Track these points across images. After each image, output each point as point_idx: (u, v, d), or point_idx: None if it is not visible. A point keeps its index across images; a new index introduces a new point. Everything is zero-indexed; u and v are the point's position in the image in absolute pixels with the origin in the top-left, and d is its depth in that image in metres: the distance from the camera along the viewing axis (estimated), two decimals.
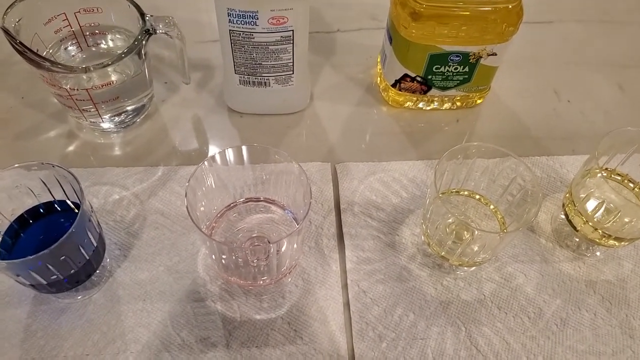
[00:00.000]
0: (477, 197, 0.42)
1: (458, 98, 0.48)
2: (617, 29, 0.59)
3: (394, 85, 0.47)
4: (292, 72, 0.43)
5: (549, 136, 0.49)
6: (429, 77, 0.45)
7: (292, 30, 0.40)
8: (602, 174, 0.37)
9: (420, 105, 0.49)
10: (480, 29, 0.41)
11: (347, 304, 0.38)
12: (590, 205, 0.39)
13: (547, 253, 0.41)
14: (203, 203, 0.37)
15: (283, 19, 0.39)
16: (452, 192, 0.42)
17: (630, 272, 0.40)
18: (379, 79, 0.51)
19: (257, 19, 0.39)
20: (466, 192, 0.42)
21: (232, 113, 0.48)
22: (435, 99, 0.48)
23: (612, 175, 0.41)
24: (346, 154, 0.46)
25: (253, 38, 0.40)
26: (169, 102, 0.49)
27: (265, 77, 0.43)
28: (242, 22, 0.39)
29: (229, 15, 0.39)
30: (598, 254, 0.41)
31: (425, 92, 0.47)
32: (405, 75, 0.45)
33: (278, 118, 0.48)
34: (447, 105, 0.49)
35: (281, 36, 0.40)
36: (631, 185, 0.41)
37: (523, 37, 0.58)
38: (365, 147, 0.47)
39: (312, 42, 0.55)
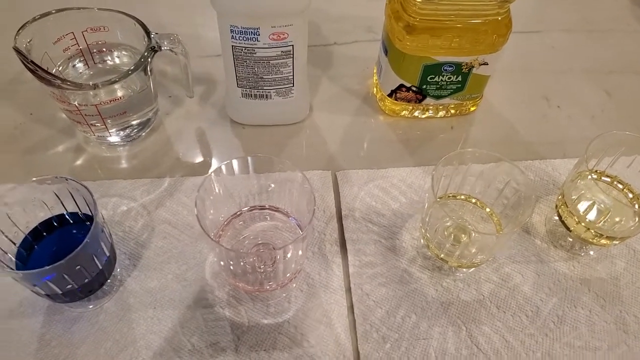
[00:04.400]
0: (474, 200, 0.43)
1: (452, 106, 0.50)
2: (601, 37, 0.62)
3: (390, 95, 0.49)
4: (292, 85, 0.45)
5: (540, 141, 0.51)
6: (424, 86, 0.47)
7: (292, 45, 0.41)
8: (592, 175, 0.39)
9: (416, 113, 0.51)
10: (472, 40, 0.43)
11: (351, 307, 0.39)
12: (582, 206, 0.41)
13: (543, 253, 0.43)
14: (211, 212, 0.39)
15: (283, 34, 0.40)
16: (449, 196, 0.43)
17: (623, 270, 0.42)
18: (375, 89, 0.53)
19: (259, 35, 0.40)
20: (463, 197, 0.43)
21: (234, 125, 0.50)
22: (430, 107, 0.50)
23: (602, 177, 0.43)
24: (346, 162, 0.48)
25: (255, 53, 0.42)
26: (173, 115, 0.50)
27: (267, 90, 0.45)
28: (244, 39, 0.41)
29: (231, 32, 0.40)
30: (591, 253, 0.43)
31: (420, 101, 0.49)
32: (401, 86, 0.47)
33: (279, 129, 0.50)
34: (441, 113, 0.51)
35: (282, 51, 0.42)
36: (620, 186, 0.43)
37: (513, 47, 0.60)
38: (363, 155, 0.49)
39: (310, 55, 0.57)
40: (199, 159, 0.48)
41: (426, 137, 0.50)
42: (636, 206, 0.42)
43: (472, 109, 0.51)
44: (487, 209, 0.42)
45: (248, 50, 0.41)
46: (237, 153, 0.48)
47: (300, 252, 0.37)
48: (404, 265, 0.42)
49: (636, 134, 0.39)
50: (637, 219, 0.40)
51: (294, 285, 0.40)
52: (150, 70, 0.44)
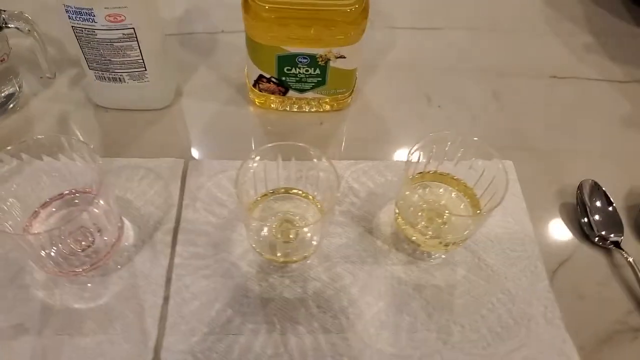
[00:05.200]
0: (296, 192, 0.42)
1: (326, 101, 0.49)
2: (503, 37, 0.60)
3: (254, 86, 0.48)
4: (144, 69, 0.44)
5: (411, 141, 0.48)
6: (283, 78, 0.45)
7: (133, 28, 0.41)
8: (422, 179, 0.37)
9: (287, 107, 0.49)
10: (321, 32, 0.41)
11: (167, 298, 0.38)
12: (413, 209, 0.40)
13: (381, 255, 0.41)
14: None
15: (120, 16, 0.40)
16: (273, 194, 0.42)
17: (461, 278, 0.40)
18: (247, 79, 0.51)
19: (94, 15, 0.39)
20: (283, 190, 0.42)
21: (98, 109, 0.49)
22: (300, 101, 0.48)
23: (437, 179, 0.42)
24: (205, 151, 0.47)
25: (96, 35, 0.41)
26: (40, 96, 0.50)
27: (118, 74, 0.44)
28: (81, 19, 0.40)
29: (67, 11, 0.39)
30: (434, 259, 0.41)
31: (284, 94, 0.47)
32: (261, 76, 0.46)
33: (142, 114, 0.49)
34: (312, 108, 0.49)
35: (123, 34, 0.41)
36: (455, 185, 0.42)
37: (405, 43, 0.58)
38: (224, 146, 0.47)
39: (192, 42, 0.57)
40: None
41: (293, 131, 0.49)
42: (464, 205, 0.40)
43: (341, 105, 0.49)
44: (318, 204, 0.41)
45: (88, 31, 0.40)
46: (95, 136, 0.47)
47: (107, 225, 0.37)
48: (233, 258, 0.40)
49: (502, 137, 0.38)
50: (470, 222, 0.39)
51: (118, 274, 0.39)
52: None
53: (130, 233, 0.41)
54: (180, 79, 0.52)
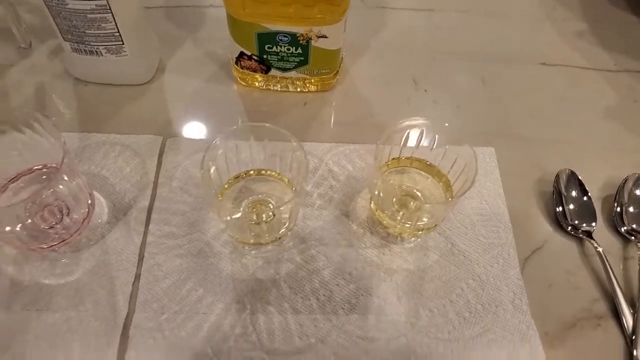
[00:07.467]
0: (269, 173, 0.41)
1: (312, 81, 0.48)
2: (495, 21, 0.58)
3: (236, 63, 0.47)
4: (121, 43, 0.43)
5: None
6: (264, 56, 0.45)
7: (107, 0, 0.39)
8: (397, 164, 0.37)
9: (272, 86, 0.49)
10: (301, 10, 0.40)
11: (138, 276, 0.38)
12: (387, 194, 0.39)
13: (356, 239, 0.41)
14: None
15: None
16: (245, 176, 0.41)
17: (433, 263, 0.40)
18: (230, 56, 0.50)
19: None
20: (253, 172, 0.41)
21: (77, 82, 0.48)
22: (284, 80, 0.48)
23: (412, 165, 0.41)
24: (185, 129, 0.46)
25: (67, 5, 0.40)
26: (17, 67, 0.49)
27: (94, 46, 0.43)
28: None
29: None
30: (407, 243, 0.41)
31: (266, 72, 0.46)
32: (242, 54, 0.45)
33: (122, 89, 0.48)
34: (297, 88, 0.49)
35: (95, 5, 0.40)
36: (429, 170, 0.41)
37: (396, 25, 0.57)
38: (205, 124, 0.47)
39: (178, 15, 0.55)
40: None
41: (276, 111, 0.48)
42: (438, 191, 0.40)
43: (326, 86, 0.48)
44: (292, 187, 0.41)
45: (59, 1, 0.39)
46: (72, 110, 0.46)
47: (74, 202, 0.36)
48: (207, 238, 0.40)
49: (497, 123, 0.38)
50: (441, 208, 0.38)
51: (89, 251, 0.39)
52: None
53: (104, 210, 0.41)
54: (164, 53, 0.51)
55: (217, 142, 0.37)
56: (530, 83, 0.53)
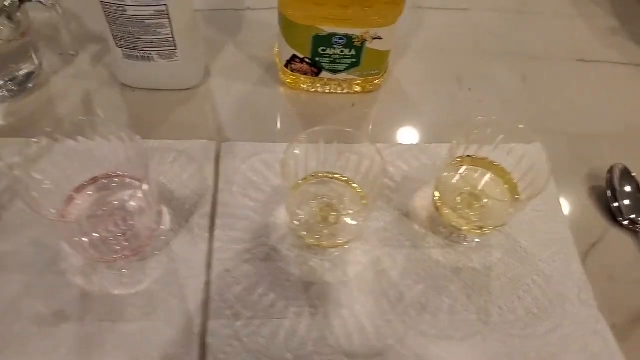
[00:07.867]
0: (337, 176, 0.41)
1: (357, 82, 0.48)
2: (530, 19, 0.59)
3: (286, 66, 0.47)
4: (174, 47, 0.43)
5: (443, 123, 0.49)
6: (317, 59, 0.45)
7: (165, 5, 0.39)
8: (461, 163, 0.38)
9: (319, 88, 0.49)
10: (359, 12, 0.40)
11: (208, 283, 0.38)
12: (452, 193, 0.40)
13: (419, 239, 0.41)
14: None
15: None
16: (319, 175, 0.41)
17: (497, 261, 0.41)
18: (277, 59, 0.50)
19: None
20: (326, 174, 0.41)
21: (124, 88, 0.47)
22: (332, 82, 0.48)
23: (475, 163, 0.42)
24: (236, 133, 0.46)
25: (125, 11, 0.39)
26: (62, 74, 0.48)
27: (147, 52, 0.43)
28: None
29: None
30: (469, 242, 0.41)
31: (316, 75, 0.46)
32: (295, 57, 0.45)
33: (170, 94, 0.47)
34: (343, 90, 0.49)
35: (155, 10, 0.39)
36: (495, 174, 0.41)
37: (432, 25, 0.57)
38: (255, 128, 0.47)
39: (218, 19, 0.55)
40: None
41: (325, 113, 0.48)
42: (501, 190, 0.40)
43: (374, 85, 0.48)
44: (359, 189, 0.41)
45: (118, 7, 0.39)
46: (123, 117, 0.46)
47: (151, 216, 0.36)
48: (272, 242, 0.40)
49: (542, 121, 0.38)
50: (511, 209, 0.39)
51: (154, 259, 0.38)
52: (19, 22, 0.41)
53: (167, 217, 0.41)
54: (207, 57, 0.50)
55: (292, 144, 0.37)
56: (570, 79, 0.54)
